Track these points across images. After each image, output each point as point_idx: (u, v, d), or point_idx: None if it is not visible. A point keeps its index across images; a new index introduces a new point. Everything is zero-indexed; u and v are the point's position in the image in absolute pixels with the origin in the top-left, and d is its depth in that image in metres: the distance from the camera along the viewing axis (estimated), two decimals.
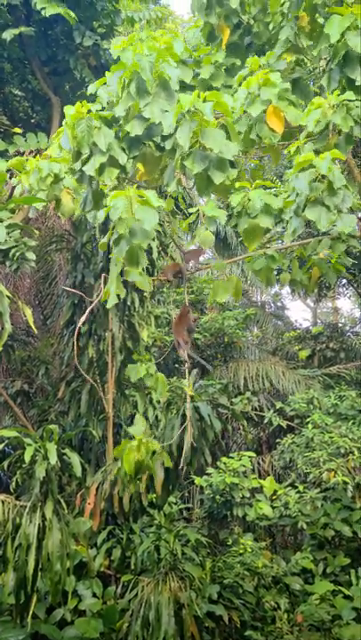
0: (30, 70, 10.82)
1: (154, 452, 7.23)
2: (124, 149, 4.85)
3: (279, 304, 23.51)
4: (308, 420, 11.83)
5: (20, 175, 5.75)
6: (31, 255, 7.57)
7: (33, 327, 9.01)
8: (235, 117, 4.77)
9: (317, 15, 4.95)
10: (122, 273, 4.84)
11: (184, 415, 7.64)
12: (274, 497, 10.95)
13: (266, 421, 12.99)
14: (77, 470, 7.37)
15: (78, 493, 9.03)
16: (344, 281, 17.43)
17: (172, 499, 10.02)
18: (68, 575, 7.32)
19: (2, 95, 11.57)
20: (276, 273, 5.89)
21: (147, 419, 10.07)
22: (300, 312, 35.79)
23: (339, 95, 4.45)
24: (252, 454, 11.33)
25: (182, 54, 5.28)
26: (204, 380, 12.89)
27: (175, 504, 10.63)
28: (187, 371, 7.23)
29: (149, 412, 10.38)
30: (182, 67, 5.30)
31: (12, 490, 7.44)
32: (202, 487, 11.09)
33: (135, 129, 4.68)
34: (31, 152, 9.41)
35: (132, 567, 9.07)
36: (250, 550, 9.90)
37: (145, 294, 9.65)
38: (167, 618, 7.91)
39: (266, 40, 5.75)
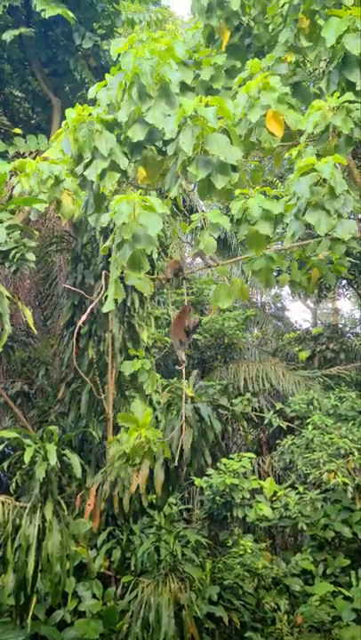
0: (30, 71, 10.84)
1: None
2: (125, 154, 4.85)
3: (279, 305, 23.51)
4: (308, 421, 11.84)
5: (20, 177, 5.76)
6: (31, 256, 7.58)
7: (33, 328, 9.02)
8: (235, 120, 4.77)
9: (317, 17, 4.95)
10: (122, 275, 4.84)
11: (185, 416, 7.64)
12: (274, 498, 10.95)
13: (266, 422, 12.99)
14: (77, 471, 7.38)
15: (78, 494, 9.03)
16: (344, 282, 17.45)
17: (172, 500, 10.02)
18: (68, 576, 7.33)
19: (2, 96, 11.58)
20: (275, 274, 5.90)
21: None
22: (300, 313, 35.63)
23: (338, 97, 4.45)
24: (252, 455, 11.34)
25: (183, 56, 5.29)
26: (205, 380, 12.89)
27: (175, 505, 10.63)
28: (184, 371, 7.22)
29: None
30: (183, 68, 5.30)
31: (11, 491, 7.44)
32: (202, 488, 11.09)
33: (137, 134, 4.69)
34: (31, 153, 9.42)
35: (132, 568, 9.07)
36: (250, 551, 9.90)
37: (145, 295, 9.65)
38: (167, 619, 7.91)
39: (266, 42, 5.75)
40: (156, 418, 10.55)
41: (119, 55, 5.02)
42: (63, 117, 5.04)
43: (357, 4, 4.67)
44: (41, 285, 14.06)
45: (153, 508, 9.23)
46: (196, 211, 14.17)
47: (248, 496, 10.59)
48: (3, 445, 7.86)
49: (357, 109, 4.43)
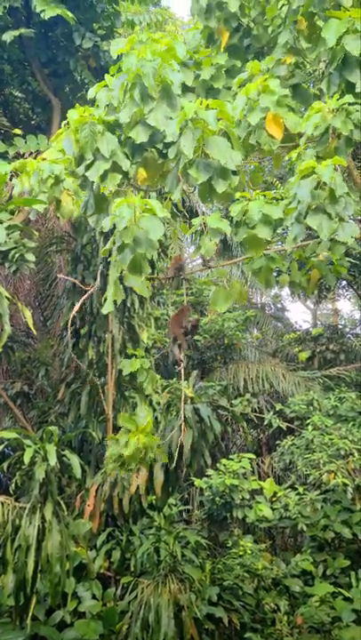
0: (30, 72, 10.84)
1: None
2: (126, 155, 4.86)
3: (279, 306, 23.50)
4: (308, 421, 11.84)
5: (21, 176, 5.76)
6: (30, 257, 7.58)
7: (33, 329, 9.02)
8: (235, 122, 4.77)
9: (316, 18, 4.96)
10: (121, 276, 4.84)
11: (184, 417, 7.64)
12: (274, 499, 10.95)
13: (266, 423, 12.98)
14: (77, 472, 7.38)
15: (78, 495, 9.03)
16: (344, 283, 17.44)
17: (171, 500, 10.02)
18: (68, 577, 7.33)
19: (2, 97, 11.59)
20: (275, 274, 5.90)
21: None
22: (300, 314, 35.63)
23: (338, 99, 4.46)
24: (252, 456, 11.33)
25: (183, 56, 5.29)
26: (204, 381, 12.89)
27: (175, 506, 10.63)
28: (183, 371, 7.21)
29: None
30: (183, 69, 5.31)
31: (11, 491, 7.44)
32: (202, 489, 11.09)
33: (140, 136, 4.70)
34: (31, 154, 9.42)
35: (132, 569, 9.07)
36: (250, 552, 9.90)
37: (145, 296, 9.65)
38: (167, 620, 7.91)
39: (265, 43, 5.76)
40: (156, 418, 10.54)
41: (119, 56, 5.03)
42: (63, 118, 5.05)
43: (356, 5, 4.68)
44: (41, 286, 14.06)
45: (153, 508, 9.23)
46: (196, 211, 14.18)
47: (248, 497, 10.59)
48: (2, 446, 7.86)
49: (357, 111, 4.43)
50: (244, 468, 10.66)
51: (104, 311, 5.07)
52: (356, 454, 10.76)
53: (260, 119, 4.63)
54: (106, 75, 5.08)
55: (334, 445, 10.86)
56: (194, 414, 8.09)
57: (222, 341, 15.28)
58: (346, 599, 9.49)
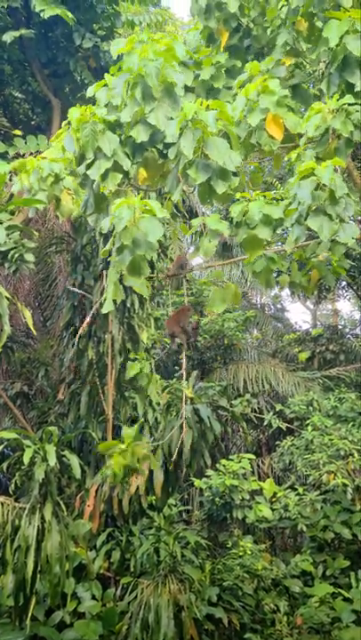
0: (30, 72, 10.84)
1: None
2: (127, 154, 4.86)
3: (279, 306, 23.49)
4: (307, 422, 11.84)
5: (20, 174, 5.75)
6: (30, 257, 7.58)
7: (32, 329, 9.02)
8: (235, 123, 4.78)
9: (316, 19, 4.96)
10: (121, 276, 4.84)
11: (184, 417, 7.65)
12: (273, 499, 10.94)
13: (265, 423, 12.98)
14: (77, 472, 7.37)
15: (78, 495, 9.03)
16: (344, 283, 17.45)
17: (171, 501, 10.02)
18: (68, 577, 7.31)
19: (2, 97, 11.59)
20: (275, 275, 5.90)
21: (146, 421, 10.06)
22: (299, 314, 35.63)
23: (338, 99, 4.46)
24: (252, 456, 11.33)
25: (183, 56, 5.30)
26: (204, 381, 12.88)
27: (175, 506, 10.62)
28: (184, 370, 7.20)
29: (149, 413, 10.37)
30: (183, 69, 5.31)
31: (11, 492, 7.43)
32: (201, 489, 11.08)
33: (141, 135, 4.70)
34: (31, 154, 9.42)
35: (132, 569, 9.06)
36: (249, 553, 9.89)
37: (145, 297, 9.65)
38: (166, 620, 7.91)
39: (265, 43, 5.76)
40: (156, 419, 10.54)
41: (119, 56, 5.03)
42: (63, 118, 5.05)
43: (356, 5, 4.68)
44: (41, 286, 14.06)
45: (152, 509, 9.23)
46: (196, 212, 14.18)
47: (248, 497, 10.59)
48: (2, 446, 7.85)
49: (357, 111, 4.44)
50: (243, 468, 10.65)
51: (104, 311, 5.07)
52: (355, 455, 10.76)
53: (260, 120, 4.63)
54: (106, 74, 5.08)
55: (334, 446, 10.86)
56: (194, 415, 8.09)
57: (222, 342, 15.28)
58: (346, 600, 9.49)
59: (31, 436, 7.82)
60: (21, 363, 12.40)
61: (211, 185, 4.51)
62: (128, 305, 9.48)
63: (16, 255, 7.47)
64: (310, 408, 12.56)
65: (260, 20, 5.66)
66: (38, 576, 7.01)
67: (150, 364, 9.77)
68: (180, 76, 4.81)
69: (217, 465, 10.68)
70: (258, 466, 12.95)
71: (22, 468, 7.27)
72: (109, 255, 4.77)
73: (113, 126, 4.88)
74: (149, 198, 4.88)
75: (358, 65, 4.52)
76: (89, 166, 4.83)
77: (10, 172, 6.99)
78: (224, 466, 10.68)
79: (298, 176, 4.50)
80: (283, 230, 5.18)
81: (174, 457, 7.73)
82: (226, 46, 5.75)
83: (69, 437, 8.58)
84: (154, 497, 8.34)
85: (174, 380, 12.50)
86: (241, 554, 9.92)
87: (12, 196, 7.50)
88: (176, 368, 14.57)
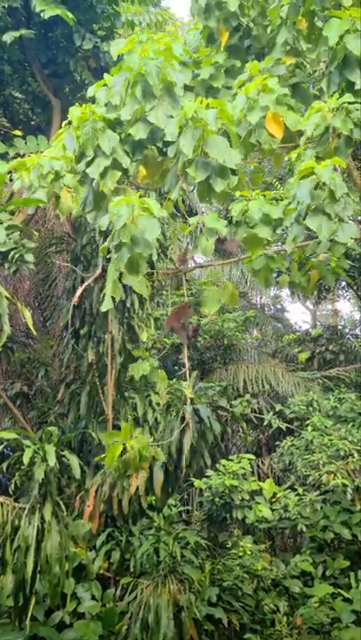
0: (30, 73, 10.84)
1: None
2: (127, 152, 4.86)
3: (279, 306, 23.48)
4: (307, 422, 11.83)
5: (20, 172, 5.75)
6: (30, 257, 7.57)
7: (32, 329, 9.00)
8: (235, 121, 4.78)
9: (316, 19, 4.96)
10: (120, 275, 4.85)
11: (183, 417, 7.64)
12: (273, 499, 10.94)
13: (265, 424, 12.97)
14: (76, 472, 7.37)
15: (77, 495, 9.02)
16: (344, 283, 17.44)
17: (171, 501, 10.01)
18: (67, 577, 7.31)
19: (2, 97, 11.59)
20: (275, 275, 5.90)
21: (146, 421, 10.06)
22: (299, 314, 35.70)
23: (338, 98, 4.46)
24: (252, 457, 11.33)
25: (182, 56, 5.30)
26: (204, 382, 12.88)
27: (174, 506, 10.62)
28: (187, 370, 7.20)
29: (149, 414, 10.38)
30: (182, 68, 5.32)
31: (10, 492, 7.43)
32: (201, 490, 11.07)
33: (140, 133, 4.71)
34: (31, 154, 9.41)
35: (132, 570, 9.06)
36: (249, 553, 9.89)
37: (145, 296, 9.64)
38: (166, 620, 7.90)
39: (265, 43, 5.76)
40: (156, 419, 10.54)
41: (119, 56, 5.04)
42: (63, 118, 5.06)
43: (357, 4, 4.68)
44: (40, 286, 14.06)
45: (152, 509, 9.22)
46: (196, 212, 14.17)
47: (247, 497, 10.58)
48: (2, 446, 7.84)
49: (357, 110, 4.43)
50: (243, 468, 10.65)
51: (103, 308, 5.07)
52: (355, 455, 10.75)
53: (260, 118, 4.63)
54: (106, 74, 5.09)
55: (334, 446, 10.86)
56: (194, 415, 8.08)
57: (222, 342, 15.28)
58: (345, 600, 9.48)
59: (31, 436, 7.82)
60: (21, 363, 12.39)
61: (210, 183, 4.52)
62: (128, 305, 9.48)
63: (16, 255, 7.46)
64: (310, 408, 12.55)
65: (259, 19, 5.66)
66: (38, 576, 7.01)
67: (156, 361, 9.78)
68: (180, 76, 4.82)
69: (217, 465, 10.67)
70: (258, 466, 12.95)
71: (22, 468, 7.27)
72: (108, 252, 4.77)
73: (113, 124, 4.89)
74: (149, 197, 4.88)
75: (359, 64, 4.52)
76: (89, 164, 4.84)
77: (9, 172, 6.98)
78: (224, 466, 10.67)
79: (298, 175, 4.50)
80: (283, 230, 5.18)
81: (174, 457, 7.72)
82: (226, 46, 5.76)
83: (69, 437, 8.57)
84: (154, 497, 8.33)
85: (174, 379, 12.50)
86: (241, 554, 9.92)
87: (12, 195, 7.50)
88: (175, 368, 14.57)
